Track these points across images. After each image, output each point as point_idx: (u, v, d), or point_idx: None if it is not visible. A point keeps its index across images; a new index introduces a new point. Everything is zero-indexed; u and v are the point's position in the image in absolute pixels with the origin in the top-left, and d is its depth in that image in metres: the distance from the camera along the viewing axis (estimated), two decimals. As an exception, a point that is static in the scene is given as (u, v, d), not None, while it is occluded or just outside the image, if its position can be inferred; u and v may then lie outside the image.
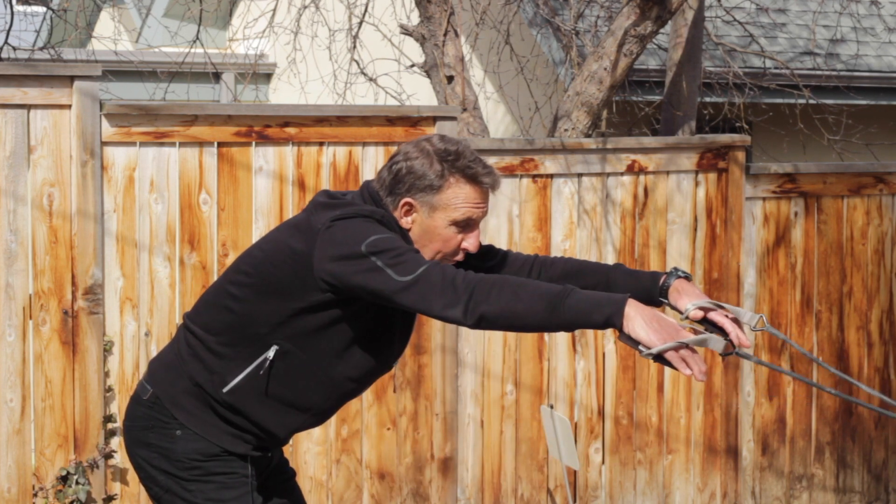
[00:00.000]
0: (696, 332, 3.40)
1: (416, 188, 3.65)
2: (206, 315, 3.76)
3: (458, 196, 3.66)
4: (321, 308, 3.62)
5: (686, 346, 3.33)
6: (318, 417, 3.83)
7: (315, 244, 3.56)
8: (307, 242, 3.59)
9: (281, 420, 3.76)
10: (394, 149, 6.35)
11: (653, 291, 3.68)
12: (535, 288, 3.43)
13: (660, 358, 3.33)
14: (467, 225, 3.70)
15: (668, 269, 3.77)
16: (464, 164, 3.66)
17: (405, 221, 3.69)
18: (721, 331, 3.50)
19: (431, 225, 3.67)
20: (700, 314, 3.53)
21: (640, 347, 3.34)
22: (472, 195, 3.67)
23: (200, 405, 3.73)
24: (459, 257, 3.73)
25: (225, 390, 3.70)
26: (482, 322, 3.44)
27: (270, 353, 3.67)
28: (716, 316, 3.52)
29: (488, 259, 3.89)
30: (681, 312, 3.56)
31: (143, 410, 3.79)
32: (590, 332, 6.81)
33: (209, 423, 3.73)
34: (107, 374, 5.85)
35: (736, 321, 3.51)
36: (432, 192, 3.65)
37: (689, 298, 3.60)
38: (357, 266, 3.50)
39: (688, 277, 3.67)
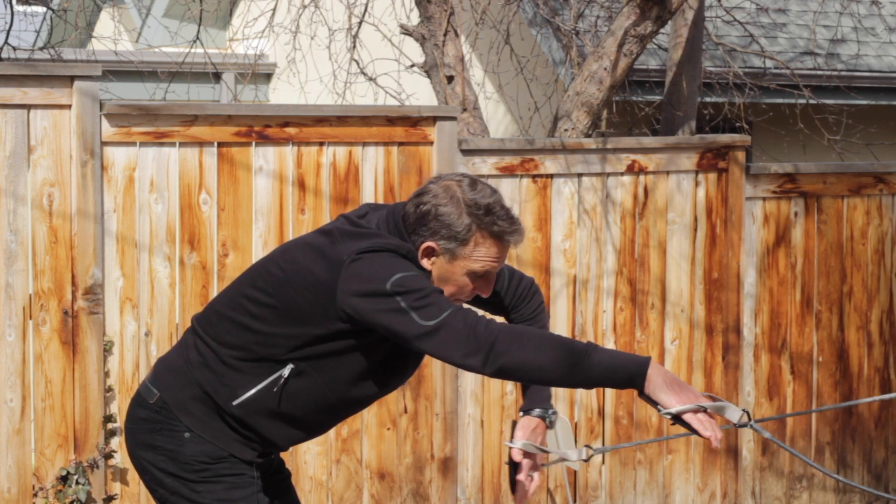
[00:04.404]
0: (714, 398, 3.44)
1: (441, 235, 3.64)
2: (220, 328, 3.73)
3: (480, 252, 3.66)
4: (340, 337, 3.61)
5: (704, 410, 3.37)
6: (320, 432, 3.86)
7: (339, 275, 3.54)
8: (331, 272, 3.56)
9: (286, 434, 3.77)
10: (394, 149, 6.36)
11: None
12: (559, 343, 3.44)
13: (678, 419, 3.37)
14: (484, 276, 3.71)
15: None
16: (491, 220, 3.64)
17: (425, 262, 3.67)
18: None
19: (450, 271, 3.67)
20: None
21: (659, 407, 3.37)
22: (495, 251, 3.67)
23: (209, 412, 3.71)
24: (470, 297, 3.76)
25: (235, 403, 3.68)
26: (502, 373, 3.45)
27: (286, 372, 3.65)
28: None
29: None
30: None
31: (149, 413, 3.76)
32: (589, 328, 6.81)
33: (217, 429, 3.71)
34: (107, 374, 5.85)
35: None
36: (456, 242, 3.64)
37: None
38: (381, 304, 3.49)
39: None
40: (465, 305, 3.69)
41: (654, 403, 3.37)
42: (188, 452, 3.71)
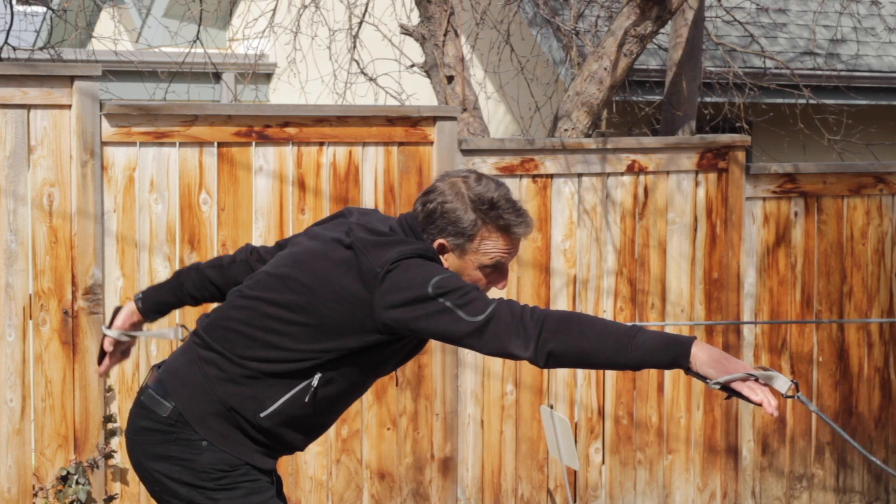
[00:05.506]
0: (764, 369, 3.45)
1: (449, 232, 3.67)
2: (240, 343, 3.68)
3: (488, 245, 3.68)
4: (374, 345, 3.62)
5: (754, 378, 3.39)
6: (323, 431, 3.87)
7: (376, 288, 3.54)
8: (366, 286, 3.55)
9: (308, 439, 3.79)
10: (394, 149, 6.36)
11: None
12: (604, 326, 3.47)
13: (728, 389, 3.39)
14: (496, 268, 3.73)
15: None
16: (497, 214, 3.67)
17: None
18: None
19: (462, 266, 3.70)
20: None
21: (708, 380, 3.40)
22: (503, 244, 3.70)
23: (230, 426, 3.68)
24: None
25: (263, 415, 3.66)
26: (550, 359, 3.46)
27: (314, 381, 3.65)
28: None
29: None
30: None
31: (160, 425, 3.70)
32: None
33: (238, 442, 3.68)
34: (107, 375, 5.85)
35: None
36: (464, 237, 3.67)
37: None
38: (425, 309, 3.50)
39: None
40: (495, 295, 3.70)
41: (704, 378, 3.40)
42: (205, 461, 3.67)
